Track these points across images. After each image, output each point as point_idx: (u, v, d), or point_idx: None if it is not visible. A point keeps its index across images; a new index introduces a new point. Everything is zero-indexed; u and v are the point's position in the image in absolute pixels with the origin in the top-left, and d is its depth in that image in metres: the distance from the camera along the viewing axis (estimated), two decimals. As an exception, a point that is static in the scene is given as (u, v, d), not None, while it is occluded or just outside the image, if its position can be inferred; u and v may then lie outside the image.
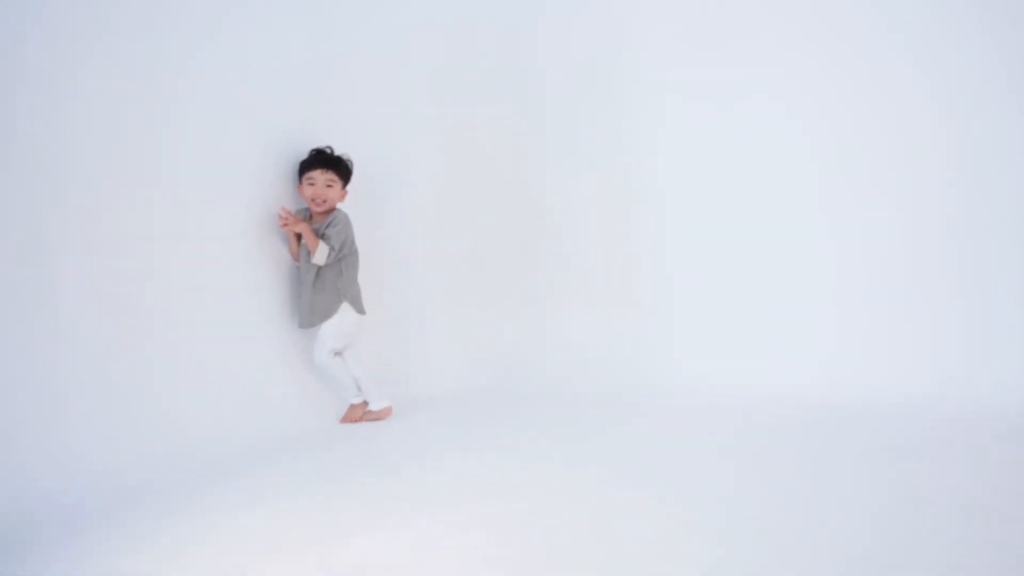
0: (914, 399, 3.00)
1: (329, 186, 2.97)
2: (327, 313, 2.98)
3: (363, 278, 3.17)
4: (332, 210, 3.01)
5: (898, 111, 3.31)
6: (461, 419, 3.12)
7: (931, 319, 3.25)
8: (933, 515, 1.96)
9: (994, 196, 3.18)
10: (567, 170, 3.92)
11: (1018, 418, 2.78)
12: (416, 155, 3.59)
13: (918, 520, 1.93)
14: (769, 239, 3.53)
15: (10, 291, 2.29)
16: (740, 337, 3.53)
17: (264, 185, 2.98)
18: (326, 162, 2.97)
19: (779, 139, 3.50)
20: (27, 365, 2.31)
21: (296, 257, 3.02)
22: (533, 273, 3.97)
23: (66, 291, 2.42)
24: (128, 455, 2.42)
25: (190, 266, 2.75)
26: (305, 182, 2.97)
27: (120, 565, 1.81)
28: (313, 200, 2.96)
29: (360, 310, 3.07)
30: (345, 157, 3.03)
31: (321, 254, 2.93)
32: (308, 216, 3.01)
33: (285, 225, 2.93)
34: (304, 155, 3.02)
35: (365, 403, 3.05)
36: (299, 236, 2.97)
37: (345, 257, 3.00)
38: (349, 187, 3.06)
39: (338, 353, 3.04)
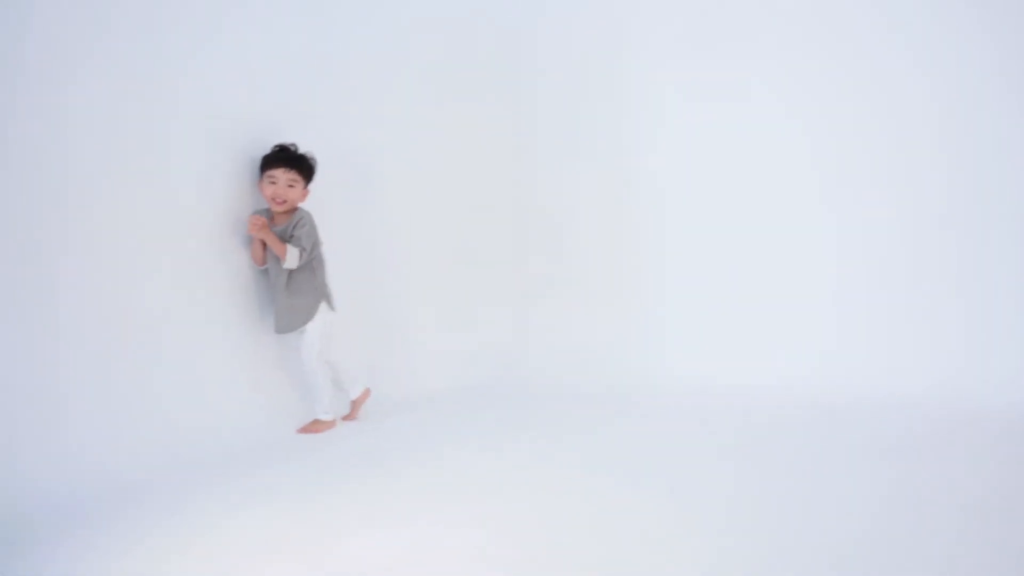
0: (913, 398, 3.00)
1: (291, 186, 2.85)
2: (308, 316, 2.92)
3: (359, 276, 3.17)
4: (293, 210, 2.90)
5: (898, 110, 3.31)
6: (457, 417, 3.11)
7: (931, 317, 3.25)
8: (933, 515, 1.96)
9: (994, 195, 3.18)
10: (563, 168, 3.92)
11: (1018, 417, 2.78)
12: (411, 153, 3.58)
13: (918, 520, 1.93)
14: (768, 238, 3.54)
15: (10, 291, 2.29)
16: (737, 335, 3.53)
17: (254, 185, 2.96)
18: (289, 160, 2.85)
19: (778, 138, 3.50)
20: (25, 366, 2.31)
21: (260, 262, 2.90)
22: (529, 271, 3.97)
23: (65, 291, 2.42)
24: (127, 454, 2.42)
25: (189, 266, 2.75)
26: (266, 179, 2.84)
27: (118, 564, 1.81)
28: (274, 199, 2.84)
29: (333, 307, 3.03)
30: (309, 155, 2.91)
31: (292, 258, 2.84)
32: (269, 215, 2.89)
33: (255, 230, 2.82)
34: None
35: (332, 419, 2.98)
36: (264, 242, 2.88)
37: (315, 257, 2.94)
38: (311, 187, 2.94)
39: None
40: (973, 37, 3.18)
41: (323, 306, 2.96)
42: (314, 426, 2.92)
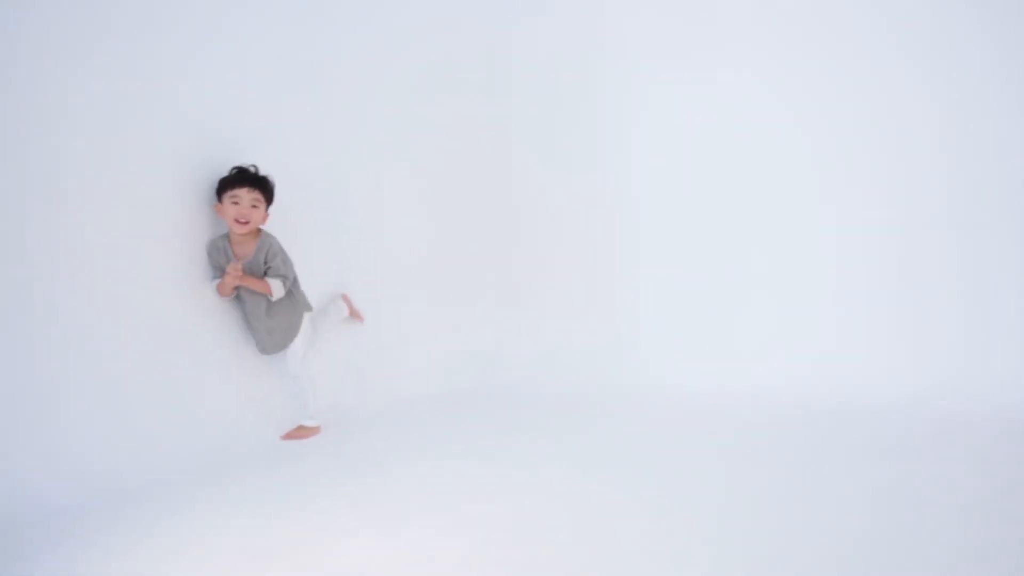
0: (913, 398, 2.99)
1: (255, 206, 2.77)
2: (293, 333, 2.90)
3: (337, 282, 3.20)
4: (256, 232, 2.84)
5: (897, 108, 3.30)
6: (439, 423, 3.10)
7: (931, 317, 3.24)
8: (933, 515, 1.96)
9: (994, 195, 3.17)
10: (543, 172, 3.86)
11: (1018, 417, 2.78)
12: (391, 157, 3.55)
13: (918, 520, 1.93)
14: (765, 239, 3.51)
15: (10, 291, 2.29)
16: (734, 337, 3.49)
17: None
18: (253, 181, 2.78)
19: (769, 139, 3.46)
20: (21, 368, 2.31)
21: (228, 294, 2.82)
22: (509, 275, 3.90)
23: (63, 295, 2.42)
24: (123, 458, 2.42)
25: (184, 271, 2.75)
26: (228, 200, 2.76)
27: (118, 565, 1.81)
28: (237, 219, 2.76)
29: (311, 307, 3.02)
30: (269, 177, 2.84)
31: (278, 290, 2.83)
32: (226, 240, 2.81)
33: (236, 280, 2.76)
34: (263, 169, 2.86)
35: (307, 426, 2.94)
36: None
37: (293, 278, 2.92)
38: (271, 210, 2.87)
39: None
40: (973, 37, 3.17)
41: (305, 316, 2.95)
42: (299, 432, 2.90)
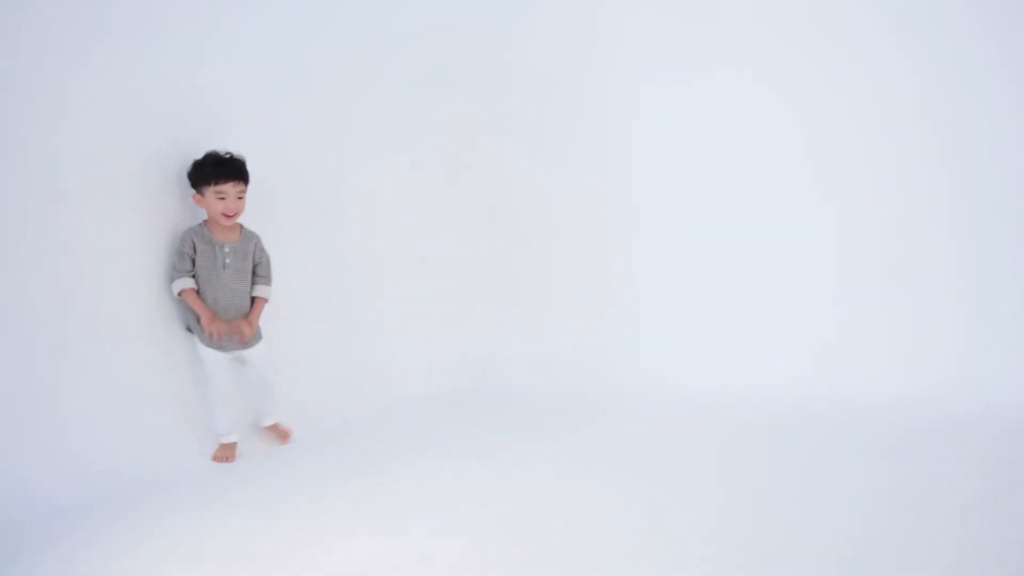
0: (913, 398, 2.99)
1: (240, 198, 2.72)
2: (259, 333, 2.83)
3: (330, 284, 3.21)
4: (238, 225, 2.79)
5: (897, 108, 3.29)
6: (438, 422, 3.09)
7: (931, 317, 3.24)
8: (933, 515, 1.96)
9: (993, 195, 3.17)
10: (542, 172, 3.84)
11: (1018, 417, 2.78)
12: (390, 157, 3.54)
13: (918, 520, 1.93)
14: (765, 238, 3.51)
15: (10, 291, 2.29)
16: (733, 338, 3.48)
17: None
18: (237, 173, 2.71)
19: (774, 138, 3.45)
20: (23, 366, 2.31)
21: (221, 337, 2.69)
22: (508, 275, 3.87)
23: (65, 296, 2.42)
24: (123, 458, 2.41)
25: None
26: (212, 194, 2.68)
27: (117, 565, 1.81)
28: (225, 213, 2.70)
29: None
30: (241, 158, 2.76)
31: (270, 293, 2.82)
32: (201, 229, 2.72)
33: (251, 330, 2.74)
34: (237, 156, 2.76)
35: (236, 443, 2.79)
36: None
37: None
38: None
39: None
40: (973, 37, 3.17)
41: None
42: (274, 430, 2.87)
